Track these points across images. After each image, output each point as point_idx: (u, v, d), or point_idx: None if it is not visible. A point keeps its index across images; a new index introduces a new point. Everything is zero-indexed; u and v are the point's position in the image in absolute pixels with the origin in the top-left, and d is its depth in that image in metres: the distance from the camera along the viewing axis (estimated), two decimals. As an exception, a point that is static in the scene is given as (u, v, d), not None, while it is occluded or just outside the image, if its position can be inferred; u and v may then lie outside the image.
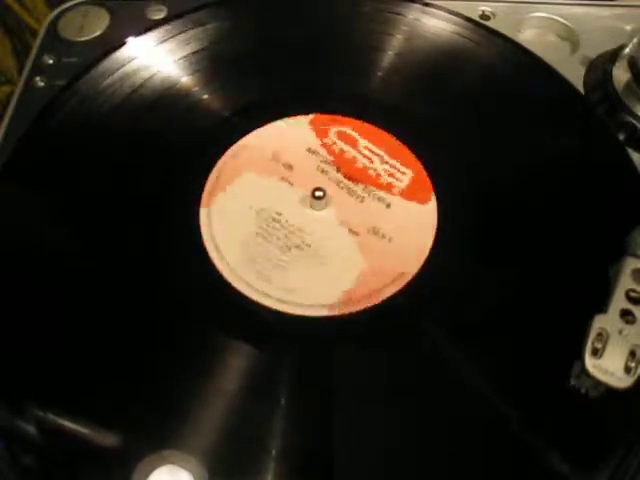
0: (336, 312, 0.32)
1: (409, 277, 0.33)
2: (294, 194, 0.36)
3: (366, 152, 0.38)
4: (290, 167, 0.37)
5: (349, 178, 0.37)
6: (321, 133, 0.38)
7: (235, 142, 0.38)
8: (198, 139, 0.38)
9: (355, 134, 0.38)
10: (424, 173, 0.37)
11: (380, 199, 0.36)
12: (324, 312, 0.32)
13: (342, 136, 0.38)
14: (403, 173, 0.37)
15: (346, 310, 0.32)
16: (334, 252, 0.34)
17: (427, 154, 0.38)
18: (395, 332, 0.32)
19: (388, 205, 0.36)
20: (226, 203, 0.36)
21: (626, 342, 0.28)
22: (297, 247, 0.34)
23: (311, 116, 0.39)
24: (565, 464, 0.28)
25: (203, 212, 0.35)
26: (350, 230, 0.35)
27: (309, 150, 0.38)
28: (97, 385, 0.30)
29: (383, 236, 0.35)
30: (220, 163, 0.37)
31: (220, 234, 0.35)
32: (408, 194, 0.36)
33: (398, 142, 0.38)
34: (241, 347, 0.31)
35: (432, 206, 0.36)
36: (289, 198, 0.36)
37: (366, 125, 0.39)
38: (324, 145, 0.38)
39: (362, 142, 0.38)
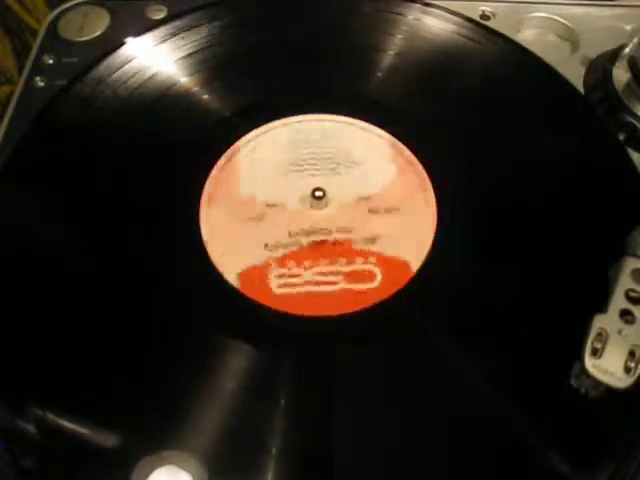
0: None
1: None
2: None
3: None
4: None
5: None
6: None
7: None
8: (198, 139, 0.38)
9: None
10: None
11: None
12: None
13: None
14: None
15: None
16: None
17: (427, 154, 0.38)
18: (395, 332, 0.32)
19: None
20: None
21: (626, 342, 0.28)
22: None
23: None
24: (565, 464, 0.28)
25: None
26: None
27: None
28: (97, 385, 0.30)
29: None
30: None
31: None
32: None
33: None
34: (241, 347, 0.31)
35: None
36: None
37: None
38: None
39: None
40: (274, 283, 0.33)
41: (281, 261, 0.34)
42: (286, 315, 0.32)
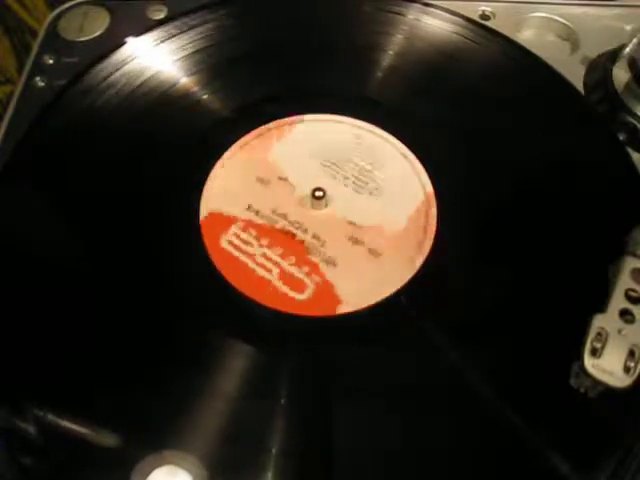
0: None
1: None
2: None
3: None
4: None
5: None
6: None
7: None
8: (198, 139, 0.38)
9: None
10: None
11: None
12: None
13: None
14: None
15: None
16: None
17: (427, 154, 0.38)
18: (395, 332, 0.32)
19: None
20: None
21: (625, 341, 0.28)
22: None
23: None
24: (565, 464, 0.28)
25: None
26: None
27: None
28: (97, 385, 0.30)
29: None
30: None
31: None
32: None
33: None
34: (241, 347, 0.31)
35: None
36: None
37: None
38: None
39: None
40: (227, 237, 0.34)
41: (247, 225, 0.35)
42: (286, 315, 0.32)
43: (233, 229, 0.35)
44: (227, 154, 0.38)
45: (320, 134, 0.39)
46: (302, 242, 0.34)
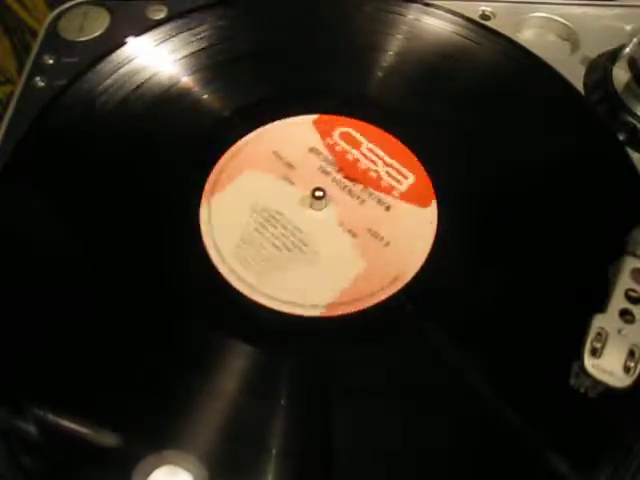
0: (332, 312, 0.32)
1: (406, 279, 0.33)
2: (294, 194, 0.36)
3: (369, 154, 0.38)
4: (291, 166, 0.37)
5: (350, 179, 0.37)
6: (324, 133, 0.38)
7: (235, 142, 0.38)
8: (198, 139, 0.38)
9: (358, 135, 0.38)
10: (426, 177, 0.37)
11: (380, 201, 0.36)
12: (319, 312, 0.32)
13: (345, 137, 0.38)
14: (405, 176, 0.37)
15: (342, 310, 0.32)
16: (332, 252, 0.34)
17: (427, 154, 0.38)
18: (395, 332, 0.32)
19: (388, 208, 0.36)
20: (226, 202, 0.36)
21: (625, 341, 0.28)
22: (296, 247, 0.34)
23: (315, 116, 0.39)
24: (565, 464, 0.28)
25: (203, 211, 0.35)
26: (349, 231, 0.35)
27: (311, 150, 0.38)
28: (97, 385, 0.30)
29: (382, 238, 0.35)
30: (221, 162, 0.37)
31: (220, 233, 0.35)
32: (409, 197, 0.36)
33: (401, 145, 0.38)
34: (241, 347, 0.31)
35: (433, 209, 0.36)
36: (289, 197, 0.36)
37: (370, 127, 0.39)
38: (327, 145, 0.38)
39: (365, 144, 0.38)
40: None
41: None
42: (286, 315, 0.32)
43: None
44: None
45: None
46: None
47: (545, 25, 0.44)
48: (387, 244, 0.35)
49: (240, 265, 0.34)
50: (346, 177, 0.37)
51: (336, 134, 0.38)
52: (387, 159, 0.37)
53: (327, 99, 0.40)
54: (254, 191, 0.36)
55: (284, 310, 0.32)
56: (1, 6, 0.53)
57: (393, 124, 0.39)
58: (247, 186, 0.37)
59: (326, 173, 0.37)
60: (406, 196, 0.36)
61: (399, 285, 0.33)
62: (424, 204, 0.36)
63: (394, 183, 0.37)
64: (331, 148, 0.38)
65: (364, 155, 0.38)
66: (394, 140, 0.38)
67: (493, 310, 0.32)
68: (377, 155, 0.38)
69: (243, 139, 0.38)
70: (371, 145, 0.38)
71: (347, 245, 0.35)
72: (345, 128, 0.39)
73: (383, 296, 0.33)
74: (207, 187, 0.36)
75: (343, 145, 0.38)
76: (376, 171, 0.37)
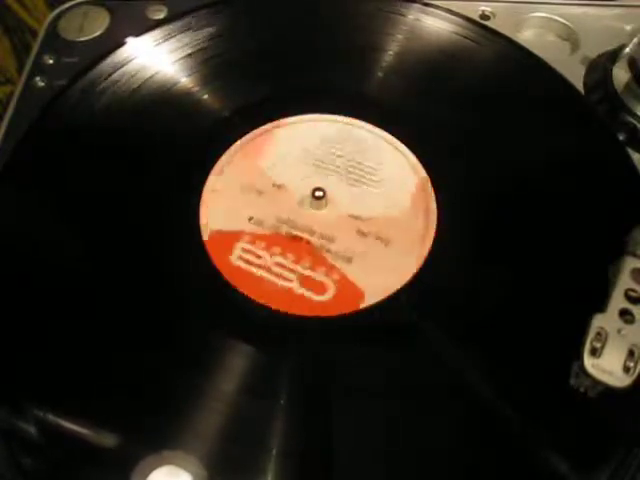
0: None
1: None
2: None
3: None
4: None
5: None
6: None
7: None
8: (198, 139, 0.38)
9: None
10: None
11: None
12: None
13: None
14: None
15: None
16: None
17: (427, 154, 0.38)
18: (395, 332, 0.32)
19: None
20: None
21: (625, 341, 0.28)
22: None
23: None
24: (565, 464, 0.28)
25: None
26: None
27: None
28: (97, 385, 0.30)
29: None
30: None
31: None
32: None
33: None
34: (241, 347, 0.31)
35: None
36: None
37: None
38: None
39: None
40: (236, 253, 0.34)
41: (253, 238, 0.34)
42: (286, 315, 0.32)
43: (241, 244, 0.34)
44: (216, 169, 0.37)
45: (304, 136, 0.39)
46: (309, 242, 0.34)
47: (545, 25, 0.44)
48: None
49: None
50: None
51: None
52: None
53: (327, 99, 0.40)
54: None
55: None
56: (1, 6, 0.53)
57: (393, 124, 0.39)
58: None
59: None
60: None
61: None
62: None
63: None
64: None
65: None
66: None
67: (493, 310, 0.32)
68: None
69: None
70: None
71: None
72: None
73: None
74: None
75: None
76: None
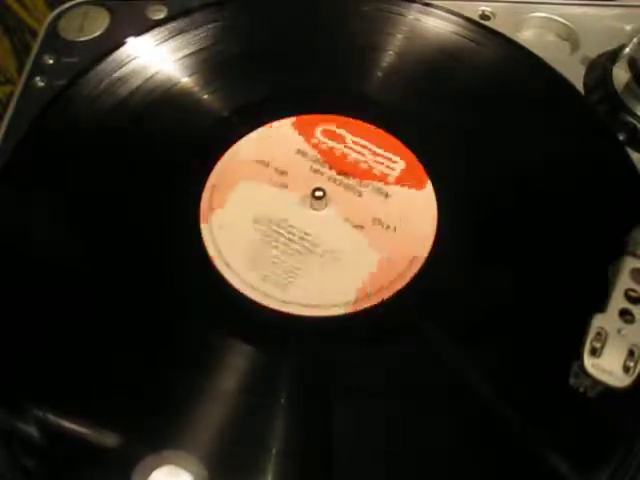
0: (351, 309, 0.32)
1: (423, 258, 0.34)
2: (293, 198, 0.36)
3: (355, 147, 0.38)
4: (283, 172, 0.37)
5: (343, 174, 0.37)
6: (306, 133, 0.38)
7: (235, 142, 0.38)
8: (198, 139, 0.38)
9: (340, 130, 0.38)
10: (415, 160, 0.37)
11: (378, 190, 0.36)
12: (341, 311, 0.32)
13: (328, 134, 0.38)
14: (394, 162, 0.37)
15: (361, 306, 0.32)
16: (343, 249, 0.34)
17: (427, 154, 0.38)
18: (395, 332, 0.32)
19: (386, 195, 0.36)
20: (227, 216, 0.36)
21: (625, 341, 0.28)
22: (305, 248, 0.34)
23: (293, 119, 0.39)
24: (565, 464, 0.28)
25: (203, 214, 0.35)
26: (355, 225, 0.35)
27: (298, 152, 0.38)
28: (97, 385, 0.30)
29: (388, 226, 0.35)
30: (216, 171, 0.37)
31: (224, 243, 0.34)
32: (403, 181, 0.37)
33: (383, 132, 0.38)
34: (241, 347, 0.31)
35: (429, 191, 0.36)
36: (289, 202, 0.36)
37: (349, 120, 0.39)
38: (312, 145, 0.38)
39: (349, 137, 0.38)
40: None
41: None
42: (286, 315, 0.32)
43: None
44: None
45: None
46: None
47: (545, 25, 0.44)
48: (394, 230, 0.35)
49: (247, 271, 0.33)
50: (339, 173, 0.37)
51: (318, 132, 0.38)
52: (373, 148, 0.38)
53: (327, 99, 0.40)
54: (253, 201, 0.36)
55: (306, 314, 0.32)
56: (1, 6, 0.53)
57: (393, 124, 0.39)
58: (246, 197, 0.36)
59: (319, 173, 0.37)
60: (401, 180, 0.37)
61: (419, 265, 0.33)
62: (420, 186, 0.36)
63: (386, 170, 0.37)
64: (317, 147, 0.38)
65: (350, 148, 0.38)
66: (375, 129, 0.38)
67: (493, 310, 0.32)
68: (363, 146, 0.38)
69: (231, 149, 0.38)
70: (355, 138, 0.38)
71: (356, 239, 0.35)
72: (326, 125, 0.39)
73: (408, 277, 0.33)
74: (205, 196, 0.36)
75: (328, 142, 0.38)
76: (366, 162, 0.37)
